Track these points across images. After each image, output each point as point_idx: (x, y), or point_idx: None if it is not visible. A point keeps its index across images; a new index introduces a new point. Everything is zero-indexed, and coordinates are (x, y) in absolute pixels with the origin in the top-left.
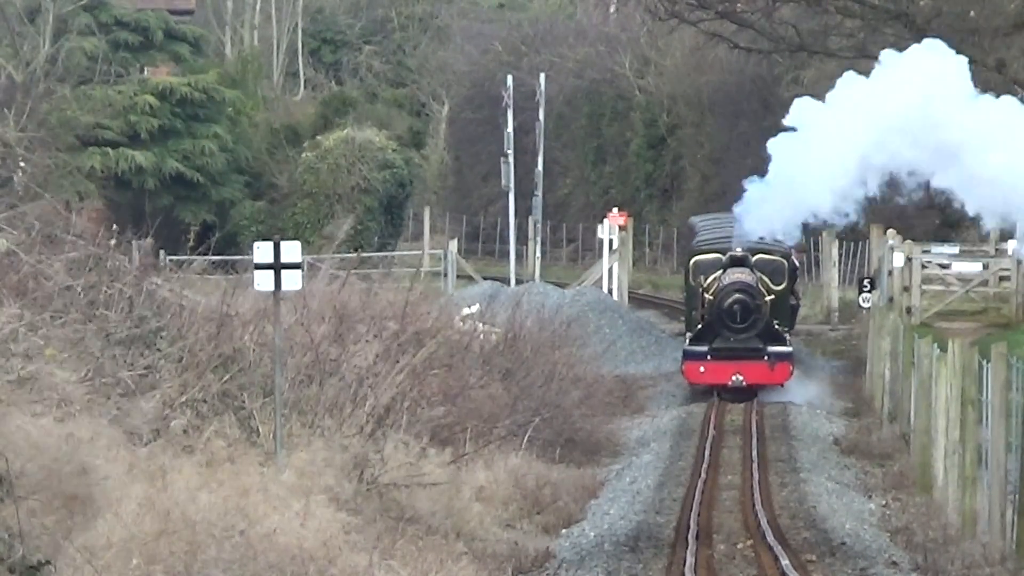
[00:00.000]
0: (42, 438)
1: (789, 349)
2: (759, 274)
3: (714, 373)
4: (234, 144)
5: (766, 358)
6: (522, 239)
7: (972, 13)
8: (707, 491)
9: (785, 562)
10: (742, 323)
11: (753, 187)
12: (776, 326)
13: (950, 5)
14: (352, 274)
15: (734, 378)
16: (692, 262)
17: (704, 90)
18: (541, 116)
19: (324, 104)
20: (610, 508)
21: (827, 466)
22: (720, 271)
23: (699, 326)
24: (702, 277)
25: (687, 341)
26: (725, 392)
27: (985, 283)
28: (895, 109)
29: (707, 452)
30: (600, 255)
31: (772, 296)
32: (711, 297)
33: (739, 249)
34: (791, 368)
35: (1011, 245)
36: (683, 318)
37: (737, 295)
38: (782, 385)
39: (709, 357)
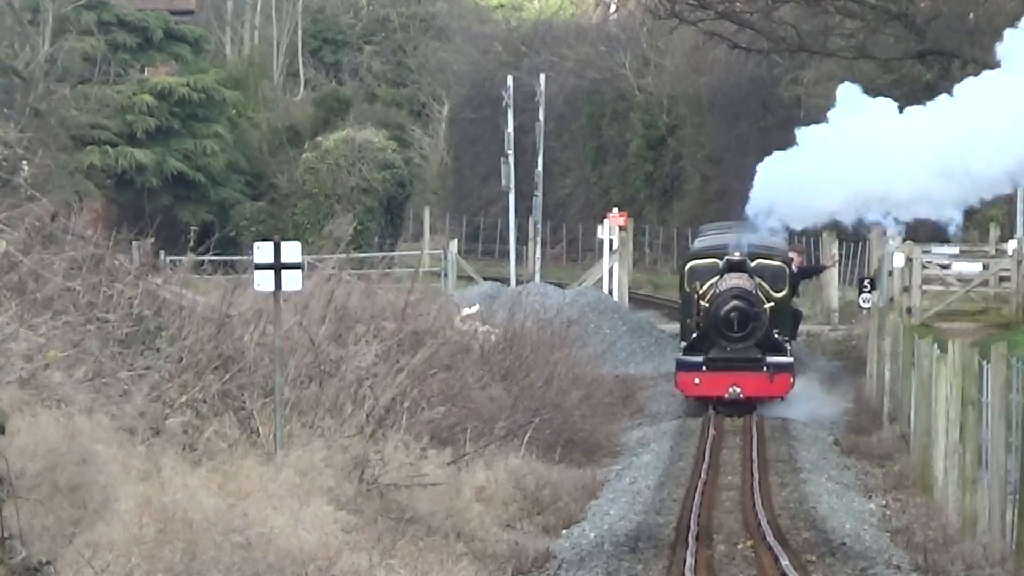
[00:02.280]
0: (42, 438)
1: (790, 360)
2: (758, 280)
3: (710, 385)
4: (234, 144)
5: (765, 369)
6: (522, 239)
7: (971, 15)
8: (707, 491)
9: (785, 562)
10: (739, 332)
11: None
12: (776, 335)
13: (949, 6)
14: (351, 274)
15: (731, 390)
16: (687, 267)
17: (704, 90)
18: (541, 116)
19: (318, 104)
20: (610, 508)
21: (827, 466)
22: (717, 277)
23: (694, 335)
24: (698, 283)
25: (681, 351)
26: (722, 405)
27: (985, 283)
28: None
29: (707, 452)
30: (600, 255)
31: (772, 303)
32: (707, 304)
33: (737, 253)
34: (792, 380)
35: (1011, 245)
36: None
37: (734, 302)
38: (782, 398)
39: (704, 368)
